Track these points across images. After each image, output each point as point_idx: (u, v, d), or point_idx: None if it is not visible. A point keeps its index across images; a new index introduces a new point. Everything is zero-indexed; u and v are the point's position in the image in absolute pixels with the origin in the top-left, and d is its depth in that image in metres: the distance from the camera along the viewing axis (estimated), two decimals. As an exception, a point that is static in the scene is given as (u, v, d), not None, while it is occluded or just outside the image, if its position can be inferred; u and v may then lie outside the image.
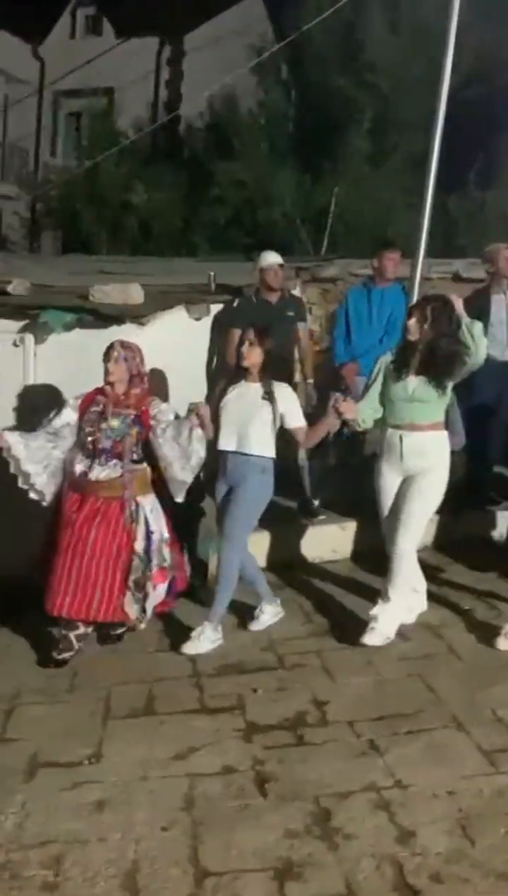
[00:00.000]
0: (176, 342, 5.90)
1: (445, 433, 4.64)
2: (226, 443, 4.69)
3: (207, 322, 6.35)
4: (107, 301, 6.12)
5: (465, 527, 6.00)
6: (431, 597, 5.00)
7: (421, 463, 4.56)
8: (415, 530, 4.59)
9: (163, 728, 3.93)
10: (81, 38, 21.96)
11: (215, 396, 4.85)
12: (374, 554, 5.80)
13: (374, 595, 5.26)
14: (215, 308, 6.33)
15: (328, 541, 5.89)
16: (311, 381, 6.14)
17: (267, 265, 5.93)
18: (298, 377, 6.12)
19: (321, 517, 6.00)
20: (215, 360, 6.36)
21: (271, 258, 5.96)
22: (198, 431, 4.47)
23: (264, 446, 4.66)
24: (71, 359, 5.27)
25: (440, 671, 4.37)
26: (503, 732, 3.79)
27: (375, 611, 4.64)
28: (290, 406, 4.71)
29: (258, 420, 4.64)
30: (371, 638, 4.55)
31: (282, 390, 4.71)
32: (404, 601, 4.67)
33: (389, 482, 4.66)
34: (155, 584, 4.59)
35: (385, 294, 6.17)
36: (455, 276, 7.39)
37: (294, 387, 5.90)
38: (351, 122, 12.45)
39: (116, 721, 4.00)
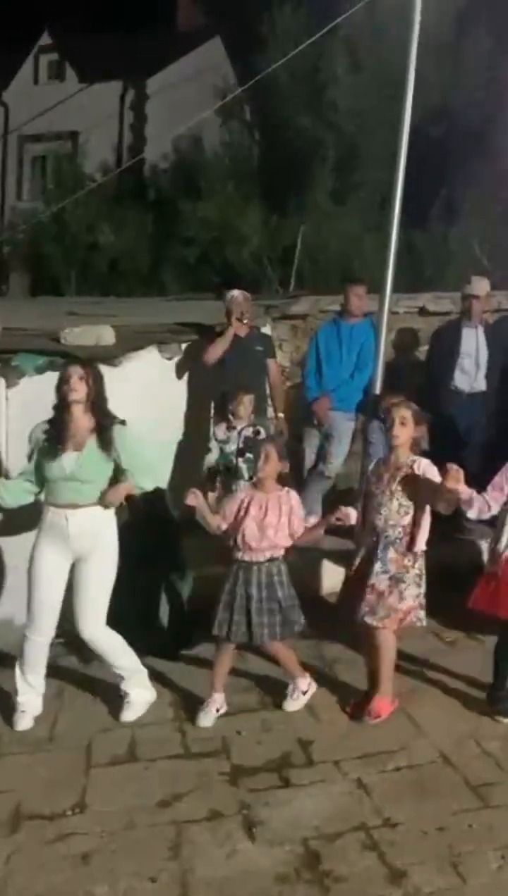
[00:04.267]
0: (149, 382, 5.92)
1: (111, 510, 4.32)
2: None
3: (179, 361, 6.37)
4: (78, 343, 6.12)
5: (446, 556, 5.96)
6: (417, 629, 4.92)
7: (91, 542, 4.25)
8: (102, 613, 4.31)
9: (147, 774, 3.88)
10: (45, 84, 22.16)
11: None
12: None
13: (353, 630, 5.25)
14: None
15: (315, 576, 5.85)
16: (282, 415, 6.20)
17: (230, 297, 6.08)
18: (270, 412, 6.17)
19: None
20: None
21: (234, 292, 6.15)
22: None
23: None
24: (43, 402, 5.23)
25: (424, 705, 4.36)
26: (490, 766, 3.79)
27: (125, 688, 4.43)
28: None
29: None
30: (127, 714, 4.36)
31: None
32: (139, 667, 4.46)
33: (53, 567, 4.26)
34: None
35: (355, 330, 6.26)
36: (422, 309, 7.48)
37: (266, 421, 5.98)
38: (315, 160, 12.65)
39: (99, 769, 3.94)
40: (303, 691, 4.43)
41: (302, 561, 5.78)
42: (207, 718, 4.31)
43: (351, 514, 4.27)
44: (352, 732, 4.14)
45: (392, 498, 4.26)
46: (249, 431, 5.67)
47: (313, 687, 4.47)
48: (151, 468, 4.37)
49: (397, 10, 7.18)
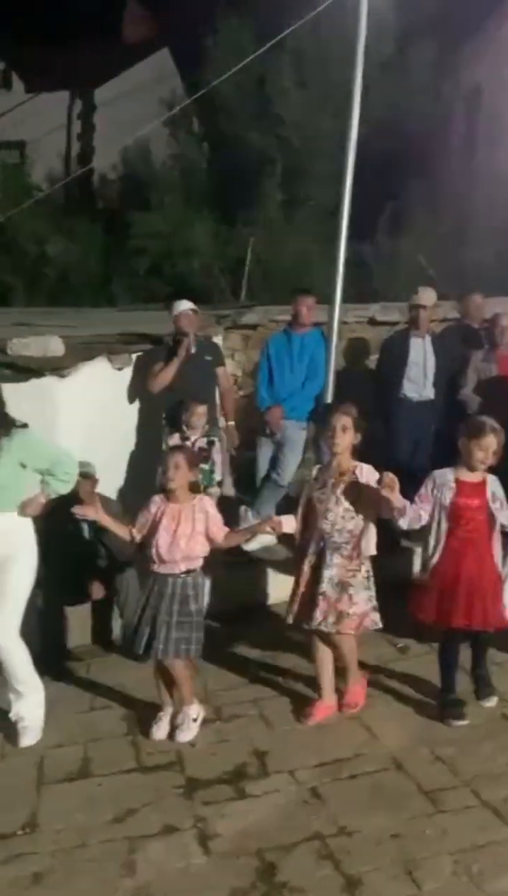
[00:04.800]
0: (99, 393, 5.87)
1: (28, 518, 4.21)
2: None
3: (129, 372, 6.33)
4: (26, 354, 6.05)
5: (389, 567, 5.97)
6: (369, 636, 4.94)
7: (6, 549, 4.15)
8: (16, 621, 4.19)
9: (100, 790, 3.83)
10: (-9, 93, 21.97)
11: None
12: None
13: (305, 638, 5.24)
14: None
15: (266, 586, 5.85)
16: (232, 422, 6.22)
17: (179, 311, 6.05)
18: (221, 421, 6.17)
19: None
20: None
21: (183, 305, 6.11)
22: None
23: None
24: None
25: (377, 712, 4.38)
26: (442, 771, 3.81)
27: (18, 711, 4.28)
28: None
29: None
30: (27, 739, 4.23)
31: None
32: (39, 685, 4.32)
33: None
34: None
35: (305, 339, 6.29)
36: (371, 319, 7.55)
37: (217, 429, 5.97)
38: (264, 173, 12.72)
39: (51, 786, 3.88)
40: (193, 718, 4.27)
41: (251, 571, 5.81)
42: (160, 732, 4.26)
43: (284, 523, 4.25)
44: (307, 741, 4.13)
45: (338, 503, 4.28)
46: (203, 442, 5.66)
47: (203, 713, 4.34)
48: (65, 470, 4.23)
49: (343, 25, 7.27)
